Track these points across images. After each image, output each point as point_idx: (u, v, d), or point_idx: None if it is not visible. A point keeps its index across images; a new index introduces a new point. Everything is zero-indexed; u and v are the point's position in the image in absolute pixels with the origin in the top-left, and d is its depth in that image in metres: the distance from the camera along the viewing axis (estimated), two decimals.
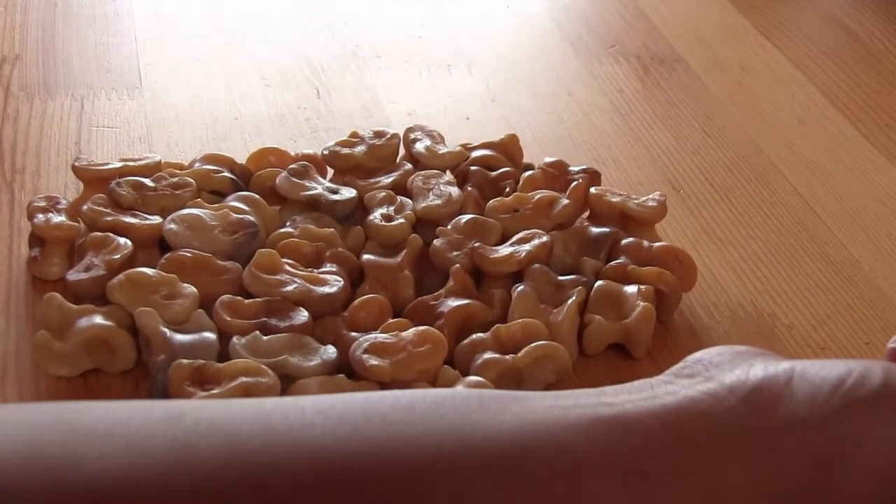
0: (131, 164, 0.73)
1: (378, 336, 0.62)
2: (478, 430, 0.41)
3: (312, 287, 0.65)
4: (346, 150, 0.75)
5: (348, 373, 0.61)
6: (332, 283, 0.65)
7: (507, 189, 0.74)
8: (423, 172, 0.74)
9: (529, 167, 0.77)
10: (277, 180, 0.72)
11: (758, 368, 0.45)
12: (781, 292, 0.71)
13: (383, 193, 0.72)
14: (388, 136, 0.77)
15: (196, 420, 0.40)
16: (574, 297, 0.65)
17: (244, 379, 0.58)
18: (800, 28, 1.03)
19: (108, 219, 0.68)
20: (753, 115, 0.89)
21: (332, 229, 0.69)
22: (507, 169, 0.76)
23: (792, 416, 0.44)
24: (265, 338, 0.61)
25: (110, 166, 0.73)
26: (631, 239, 0.70)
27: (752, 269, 0.73)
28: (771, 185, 0.81)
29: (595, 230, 0.70)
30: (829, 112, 0.90)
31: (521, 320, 0.64)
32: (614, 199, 0.72)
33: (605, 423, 0.42)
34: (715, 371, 0.46)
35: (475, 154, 0.77)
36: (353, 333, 0.63)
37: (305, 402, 0.42)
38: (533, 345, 0.62)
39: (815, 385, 0.44)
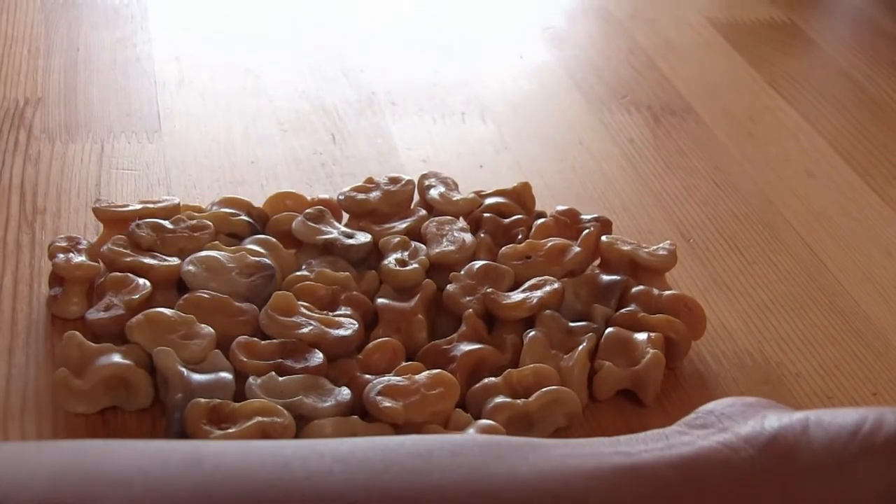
0: (150, 206, 0.74)
1: (391, 378, 0.63)
2: (494, 480, 0.42)
3: (327, 329, 0.66)
4: (361, 196, 0.77)
5: (362, 414, 0.62)
6: (347, 325, 0.66)
7: (520, 236, 0.75)
8: (437, 219, 0.75)
9: (542, 215, 0.78)
10: (294, 224, 0.73)
11: (772, 419, 0.46)
12: (789, 341, 0.72)
13: (398, 239, 0.73)
14: (403, 182, 0.78)
15: (215, 466, 0.41)
16: (585, 344, 0.66)
17: (260, 418, 0.59)
18: (808, 80, 1.04)
19: (128, 259, 0.69)
20: (762, 166, 0.91)
21: (347, 273, 0.70)
22: (520, 216, 0.77)
23: (811, 463, 0.44)
24: (281, 378, 0.62)
25: (130, 208, 0.74)
26: (641, 287, 0.71)
27: (761, 317, 0.74)
28: (779, 236, 0.82)
29: (606, 278, 0.71)
30: (838, 164, 0.92)
31: (532, 365, 0.65)
32: (625, 248, 0.73)
33: (621, 473, 0.43)
34: (728, 422, 0.47)
35: (488, 201, 0.78)
36: (367, 375, 0.64)
37: (325, 448, 0.42)
38: (544, 389, 0.63)
39: (832, 432, 0.45)
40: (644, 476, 0.43)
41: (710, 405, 0.49)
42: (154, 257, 0.70)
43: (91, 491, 0.39)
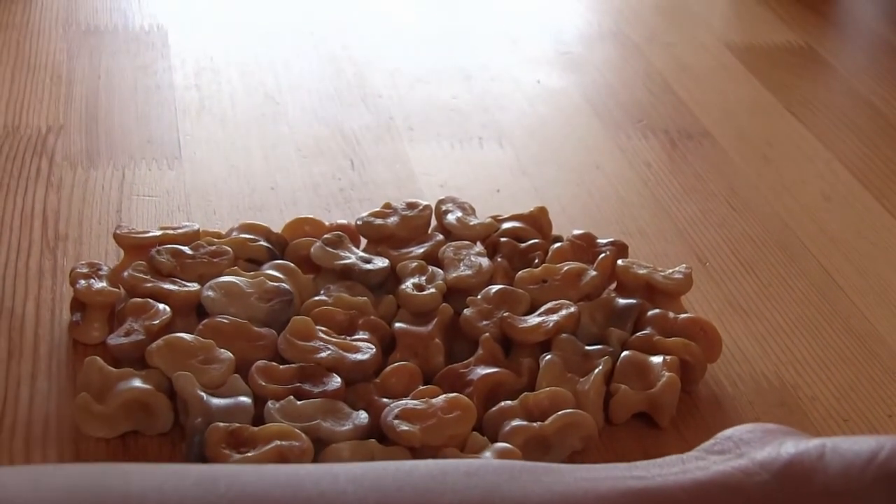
0: (170, 232, 0.75)
1: (409, 402, 0.63)
2: (507, 500, 0.42)
3: (345, 354, 0.66)
4: (379, 221, 0.77)
5: (379, 438, 0.62)
6: (365, 350, 0.67)
7: (536, 260, 0.75)
8: (454, 243, 0.76)
9: (558, 239, 0.78)
10: (312, 249, 0.74)
11: (789, 445, 0.46)
12: (805, 364, 0.73)
13: (415, 263, 0.74)
14: (421, 207, 0.79)
15: (229, 486, 0.41)
16: (600, 367, 0.67)
17: (278, 442, 0.60)
18: (825, 104, 1.05)
19: (148, 285, 0.70)
20: (779, 190, 0.91)
21: (364, 298, 0.71)
22: (536, 241, 0.77)
23: (826, 489, 0.44)
24: (299, 402, 0.63)
25: (150, 234, 0.75)
26: (657, 310, 0.71)
27: (776, 340, 0.74)
28: (795, 259, 0.83)
29: (622, 301, 0.72)
30: (854, 187, 0.92)
31: (548, 389, 0.65)
32: (641, 272, 0.74)
33: (634, 495, 0.43)
34: (746, 448, 0.47)
35: (505, 226, 0.78)
36: (385, 399, 0.64)
37: (339, 469, 0.43)
38: (560, 413, 0.63)
39: (848, 459, 0.45)
40: (656, 499, 0.43)
41: (728, 431, 0.49)
42: (174, 283, 0.71)
43: None
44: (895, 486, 0.44)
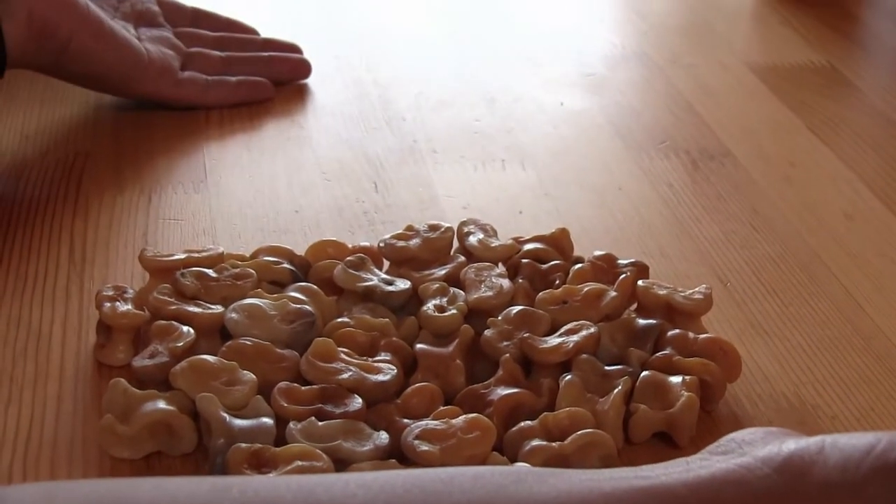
0: (195, 255, 0.76)
1: (429, 423, 0.64)
2: (513, 499, 0.43)
3: (367, 375, 0.67)
4: (401, 243, 0.78)
5: (400, 458, 0.63)
6: (386, 371, 0.68)
7: (557, 281, 0.76)
8: (475, 265, 0.77)
9: (579, 260, 0.79)
10: (335, 272, 0.75)
11: (790, 443, 0.48)
12: (826, 384, 0.73)
13: (437, 285, 0.74)
14: (443, 229, 0.79)
15: (242, 492, 0.42)
16: (620, 387, 0.67)
17: (300, 462, 0.60)
18: (847, 124, 1.05)
19: (172, 308, 0.71)
20: (800, 210, 0.91)
21: (386, 319, 0.72)
22: (558, 262, 0.78)
23: (824, 481, 0.46)
24: (320, 423, 0.63)
25: (175, 257, 0.76)
26: (677, 331, 0.71)
27: (797, 360, 0.75)
28: (816, 279, 0.83)
29: (642, 322, 0.72)
30: (876, 207, 0.92)
31: (568, 409, 0.66)
32: (661, 292, 0.74)
33: (637, 492, 0.45)
34: (748, 447, 0.48)
35: (526, 247, 0.79)
36: (406, 420, 0.65)
37: (350, 476, 0.44)
38: (579, 432, 0.64)
39: (847, 452, 0.46)
40: (660, 495, 0.44)
41: (732, 434, 0.51)
42: (198, 305, 0.71)
43: None
44: (891, 477, 0.45)
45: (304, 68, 1.09)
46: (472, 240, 0.79)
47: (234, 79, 1.04)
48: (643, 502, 0.44)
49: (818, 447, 0.47)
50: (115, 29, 0.96)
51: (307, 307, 0.71)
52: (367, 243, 0.80)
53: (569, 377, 0.67)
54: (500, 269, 0.77)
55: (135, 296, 0.73)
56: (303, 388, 0.66)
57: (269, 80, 1.05)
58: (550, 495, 0.44)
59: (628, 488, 0.45)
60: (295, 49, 1.10)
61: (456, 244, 0.80)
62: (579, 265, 0.77)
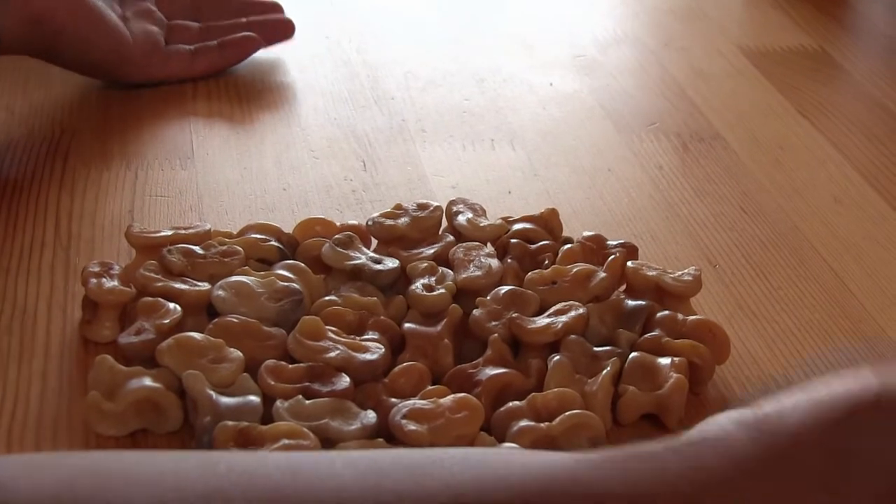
0: (182, 232, 0.76)
1: (417, 402, 0.63)
2: (500, 467, 0.44)
3: (354, 354, 0.67)
4: (389, 222, 0.78)
5: (387, 437, 0.62)
6: (374, 350, 0.67)
7: (546, 262, 0.76)
8: (464, 244, 0.76)
9: (568, 241, 0.78)
10: (323, 250, 0.74)
11: (769, 404, 0.48)
12: (814, 366, 0.73)
13: (425, 264, 0.74)
14: (432, 208, 0.79)
15: (229, 467, 0.42)
16: (609, 368, 0.67)
17: (286, 441, 0.60)
18: (838, 108, 1.05)
19: (159, 285, 0.70)
20: (790, 193, 0.91)
21: (374, 298, 0.71)
22: (547, 242, 0.77)
23: (802, 421, 0.45)
24: (307, 402, 0.63)
25: (162, 234, 0.75)
26: (666, 312, 0.71)
27: (786, 343, 0.75)
28: (805, 262, 0.83)
29: (631, 303, 0.72)
30: (865, 191, 0.92)
31: (556, 389, 0.65)
32: (650, 274, 0.74)
33: (623, 456, 0.45)
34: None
35: (516, 227, 0.79)
36: (393, 399, 0.65)
37: (336, 454, 0.44)
38: (567, 413, 0.63)
39: (816, 399, 0.47)
40: (642, 458, 0.45)
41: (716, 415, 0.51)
42: (185, 282, 0.71)
43: (105, 487, 0.40)
44: (867, 412, 0.45)
45: (288, 28, 1.07)
46: (461, 219, 0.79)
47: (215, 42, 1.02)
48: (628, 464, 0.45)
49: (794, 399, 0.47)
50: (106, 15, 0.95)
51: (295, 285, 0.71)
52: (355, 222, 0.80)
53: (557, 358, 0.67)
54: (489, 248, 0.77)
55: (121, 272, 0.73)
56: (290, 366, 0.66)
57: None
58: (535, 462, 0.44)
59: (611, 456, 0.45)
60: (276, 8, 1.09)
61: (445, 224, 0.80)
62: (568, 246, 0.77)
